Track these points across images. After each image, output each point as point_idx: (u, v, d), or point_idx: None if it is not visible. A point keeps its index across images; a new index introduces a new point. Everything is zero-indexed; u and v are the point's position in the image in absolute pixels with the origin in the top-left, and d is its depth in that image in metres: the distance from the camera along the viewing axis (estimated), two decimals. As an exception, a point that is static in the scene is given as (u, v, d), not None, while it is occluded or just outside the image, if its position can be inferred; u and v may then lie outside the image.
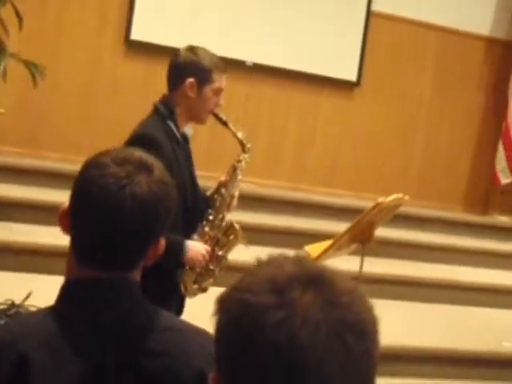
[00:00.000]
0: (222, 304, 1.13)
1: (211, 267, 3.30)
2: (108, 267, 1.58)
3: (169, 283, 3.22)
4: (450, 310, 6.17)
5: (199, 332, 1.65)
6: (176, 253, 3.08)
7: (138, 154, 1.63)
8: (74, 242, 1.62)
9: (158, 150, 3.00)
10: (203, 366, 1.55)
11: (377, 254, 5.44)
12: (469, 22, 8.16)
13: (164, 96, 3.28)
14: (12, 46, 6.30)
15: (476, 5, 8.16)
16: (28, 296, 4.22)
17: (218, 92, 3.25)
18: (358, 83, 7.89)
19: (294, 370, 1.02)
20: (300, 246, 5.76)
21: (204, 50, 3.33)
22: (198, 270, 3.24)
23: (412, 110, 8.14)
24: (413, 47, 8.08)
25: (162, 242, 1.65)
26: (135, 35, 7.11)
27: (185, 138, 3.35)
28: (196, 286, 3.30)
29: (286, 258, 1.14)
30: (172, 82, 3.27)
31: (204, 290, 3.32)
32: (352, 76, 7.86)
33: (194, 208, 3.27)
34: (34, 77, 6.07)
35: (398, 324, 5.18)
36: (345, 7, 7.72)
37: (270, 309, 1.05)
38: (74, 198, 1.61)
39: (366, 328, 1.07)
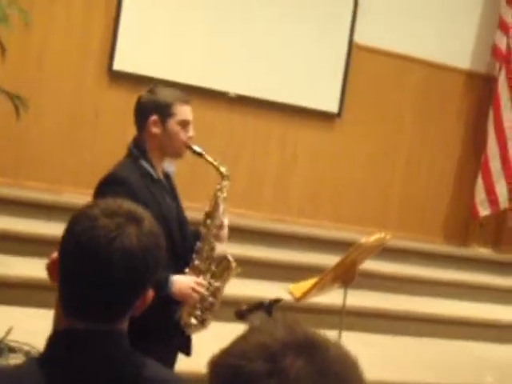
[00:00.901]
0: (215, 368, 1.13)
1: (210, 299, 3.30)
2: (96, 318, 1.58)
3: (168, 320, 3.23)
4: (432, 343, 6.18)
5: None
6: (160, 289, 3.08)
7: (127, 205, 1.63)
8: (61, 292, 1.61)
9: (129, 189, 3.07)
10: None
11: (356, 285, 5.46)
12: (449, 56, 8.25)
13: (135, 138, 3.33)
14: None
15: (456, 38, 8.26)
16: (9, 331, 4.20)
17: (183, 124, 3.28)
18: (339, 114, 7.94)
19: None
20: (283, 278, 5.80)
21: (164, 87, 3.40)
22: (191, 303, 3.23)
23: (393, 142, 8.19)
24: (394, 79, 8.15)
25: (150, 294, 1.65)
26: (118, 65, 7.13)
27: (166, 176, 3.37)
28: (195, 321, 3.29)
29: (277, 323, 1.15)
30: (138, 124, 3.33)
31: (204, 325, 3.32)
32: (333, 107, 7.91)
33: (183, 242, 3.29)
34: (17, 109, 6.07)
35: (378, 358, 5.18)
36: (327, 39, 7.78)
37: (263, 376, 1.06)
38: (63, 249, 1.61)
39: None
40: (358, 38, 7.90)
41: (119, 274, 1.55)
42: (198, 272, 3.28)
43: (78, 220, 1.59)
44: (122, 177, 3.17)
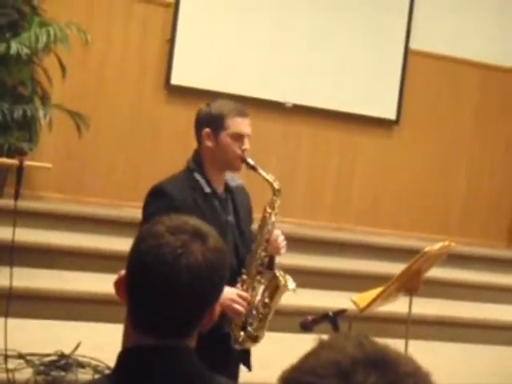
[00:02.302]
0: None
1: (260, 315, 3.29)
2: (164, 335, 1.59)
3: (217, 334, 3.22)
4: (498, 350, 6.09)
5: None
6: None
7: (192, 222, 1.64)
8: (130, 309, 1.63)
9: (170, 202, 3.08)
10: None
11: (420, 293, 5.41)
12: (507, 57, 8.15)
13: (194, 151, 3.35)
14: (55, 95, 6.44)
15: (513, 39, 8.16)
16: (77, 346, 4.27)
17: (236, 137, 3.26)
18: (397, 121, 7.90)
19: None
20: (345, 287, 5.78)
21: (221, 100, 3.39)
22: (235, 315, 3.22)
23: (453, 147, 8.12)
24: (451, 83, 8.07)
25: (217, 309, 1.66)
26: (175, 80, 7.21)
27: (228, 190, 3.39)
28: (244, 335, 3.28)
29: (347, 339, 1.15)
30: (197, 137, 3.35)
31: (255, 339, 3.30)
32: (391, 114, 7.87)
33: (237, 257, 3.29)
34: (78, 127, 6.19)
35: (444, 366, 5.12)
36: (382, 46, 7.76)
37: None
38: (130, 267, 1.63)
39: None
40: (414, 44, 7.85)
41: (186, 291, 1.56)
42: (247, 286, 3.25)
43: (143, 238, 1.61)
44: (165, 190, 3.17)
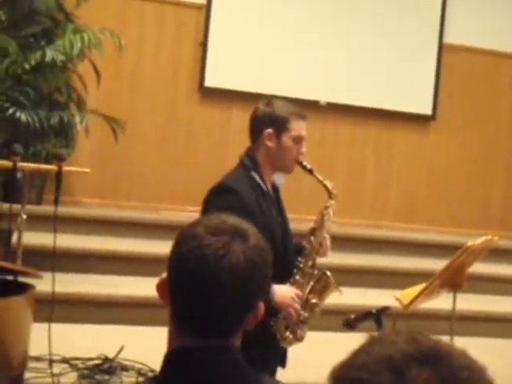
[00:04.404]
0: (337, 382, 1.12)
1: (305, 314, 3.30)
2: (208, 335, 1.59)
3: (264, 333, 3.22)
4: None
5: None
6: None
7: (231, 221, 1.63)
8: (173, 311, 1.63)
9: (239, 199, 3.08)
10: None
11: (462, 289, 5.36)
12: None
13: (248, 148, 3.33)
14: (90, 101, 6.48)
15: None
16: (120, 350, 4.28)
17: (297, 140, 3.27)
18: (433, 117, 7.84)
19: None
20: (384, 284, 5.75)
21: (281, 101, 3.38)
22: (289, 314, 3.22)
23: (491, 141, 8.03)
24: (488, 77, 7.99)
25: (262, 306, 1.65)
26: (209, 82, 7.22)
27: (274, 188, 3.39)
28: (289, 334, 3.29)
29: (398, 334, 1.13)
30: (253, 135, 3.32)
31: (299, 338, 3.31)
32: (427, 110, 7.81)
33: (285, 255, 3.30)
34: (114, 131, 6.22)
35: (489, 363, 5.06)
36: (416, 41, 7.71)
37: None
38: (171, 270, 1.62)
39: None
40: (448, 38, 7.78)
41: (229, 292, 1.55)
42: (298, 287, 3.27)
43: (183, 240, 1.60)
44: (233, 187, 3.17)
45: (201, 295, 1.56)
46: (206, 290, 1.55)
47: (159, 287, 1.64)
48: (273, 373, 3.32)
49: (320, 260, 3.39)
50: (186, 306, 1.59)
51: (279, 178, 3.40)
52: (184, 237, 1.60)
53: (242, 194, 3.14)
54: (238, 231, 1.59)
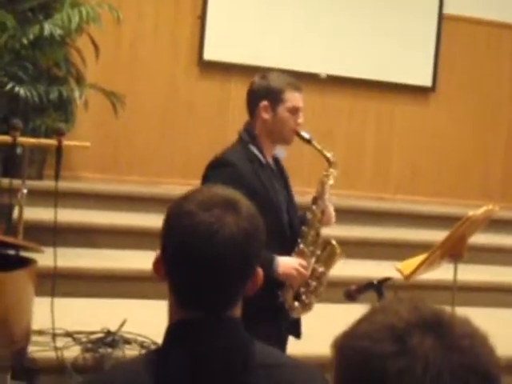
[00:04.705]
0: (340, 351, 1.13)
1: (313, 283, 3.32)
2: (208, 308, 1.59)
3: (272, 302, 3.25)
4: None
5: (306, 368, 1.65)
6: (265, 268, 3.12)
7: (221, 192, 1.62)
8: (171, 286, 1.63)
9: (235, 172, 3.14)
10: None
11: (463, 260, 5.38)
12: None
13: (246, 122, 3.36)
14: (89, 75, 6.46)
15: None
16: (123, 323, 4.30)
17: (293, 111, 3.29)
18: (433, 88, 7.81)
19: None
20: (386, 256, 5.75)
21: (276, 73, 3.42)
22: (295, 284, 3.25)
23: (491, 112, 8.01)
24: (488, 48, 7.96)
25: (260, 272, 1.66)
26: (208, 55, 7.19)
27: (276, 161, 3.39)
28: (298, 304, 3.32)
29: (401, 302, 1.13)
30: (250, 109, 3.36)
31: (307, 308, 3.34)
32: (427, 81, 7.79)
33: (290, 227, 3.31)
34: (114, 106, 6.21)
35: (491, 332, 5.07)
36: (416, 12, 7.66)
37: (391, 357, 1.05)
38: (166, 248, 1.62)
39: (489, 372, 1.06)
40: (447, 9, 7.74)
41: (226, 264, 1.56)
42: (303, 256, 3.30)
43: (176, 217, 1.59)
44: (229, 160, 3.22)
45: (197, 271, 1.57)
46: (203, 265, 1.56)
47: (155, 265, 1.64)
48: (283, 344, 3.35)
49: (325, 230, 3.42)
50: (184, 280, 1.60)
51: (281, 152, 3.42)
52: (176, 213, 1.60)
53: (239, 167, 3.19)
54: (229, 203, 1.59)
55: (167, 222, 1.61)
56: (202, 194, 1.61)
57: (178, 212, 1.59)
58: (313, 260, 3.33)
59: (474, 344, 1.07)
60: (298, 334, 3.44)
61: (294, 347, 3.40)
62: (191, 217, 1.55)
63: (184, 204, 1.58)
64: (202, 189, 1.66)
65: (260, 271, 1.65)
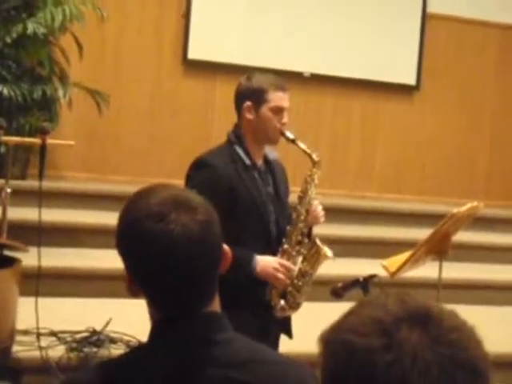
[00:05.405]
0: (327, 345, 1.12)
1: (299, 283, 3.33)
2: (184, 307, 1.59)
3: (258, 300, 3.26)
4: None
5: (296, 365, 1.64)
6: (243, 267, 3.14)
7: (167, 194, 1.60)
8: (147, 296, 1.62)
9: (212, 173, 3.18)
10: None
11: (449, 257, 5.40)
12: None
13: (235, 124, 3.37)
14: (73, 74, 6.43)
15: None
16: (108, 322, 4.29)
17: (277, 110, 3.30)
18: (417, 87, 7.83)
19: None
20: (370, 255, 5.76)
21: (261, 74, 3.44)
22: (278, 284, 3.26)
23: (475, 110, 8.04)
24: (472, 46, 7.98)
25: (227, 250, 1.65)
26: (192, 54, 7.18)
27: (267, 162, 3.40)
28: (284, 303, 3.32)
29: (388, 296, 1.13)
30: (237, 111, 3.39)
31: (294, 307, 3.34)
32: (411, 80, 7.81)
33: (277, 228, 3.33)
34: (98, 105, 6.18)
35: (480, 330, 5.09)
36: (400, 11, 7.68)
37: (379, 351, 1.04)
38: (131, 266, 1.60)
39: (476, 365, 1.06)
40: (431, 8, 7.76)
41: (195, 262, 1.56)
42: (287, 256, 3.31)
43: (132, 233, 1.58)
44: (209, 161, 3.25)
45: (169, 276, 1.56)
46: (172, 271, 1.56)
47: (129, 288, 1.63)
48: (274, 342, 3.35)
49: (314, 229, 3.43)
50: (156, 289, 1.59)
51: (270, 152, 3.42)
52: (131, 229, 1.59)
53: (218, 167, 3.21)
54: (180, 202, 1.58)
55: (124, 238, 1.61)
56: (150, 201, 1.58)
57: (134, 229, 1.58)
58: (299, 259, 3.34)
59: (462, 337, 1.07)
60: (289, 334, 3.45)
61: (280, 345, 3.41)
62: (148, 232, 1.55)
63: (137, 216, 1.58)
64: (149, 194, 1.64)
65: (226, 249, 1.65)
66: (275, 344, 3.37)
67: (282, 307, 3.31)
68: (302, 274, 3.34)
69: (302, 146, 3.37)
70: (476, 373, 1.05)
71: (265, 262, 3.22)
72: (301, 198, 3.37)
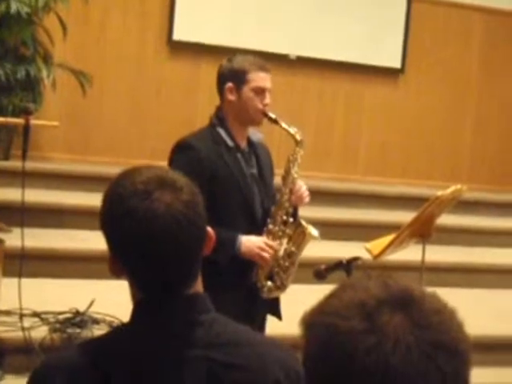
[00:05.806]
0: (309, 328, 1.13)
1: (286, 264, 3.34)
2: (166, 288, 1.59)
3: (244, 281, 3.27)
4: (510, 294, 6.10)
5: (277, 346, 1.65)
6: (228, 248, 3.15)
7: (150, 174, 1.59)
8: (129, 276, 1.62)
9: (193, 155, 3.18)
10: (281, 380, 1.56)
11: (432, 240, 5.42)
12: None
13: (217, 106, 3.37)
14: (57, 55, 6.39)
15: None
16: (91, 304, 4.29)
17: (258, 91, 3.30)
18: (402, 70, 7.83)
19: None
20: (354, 237, 5.77)
21: (242, 55, 3.43)
22: (263, 263, 3.26)
23: (460, 93, 8.06)
24: (457, 30, 7.99)
25: (210, 231, 1.64)
26: (177, 36, 7.14)
27: (251, 143, 3.39)
28: (270, 284, 3.33)
29: (370, 279, 1.13)
30: (219, 92, 3.38)
31: (280, 287, 3.35)
32: (396, 63, 7.80)
33: (262, 209, 3.34)
34: (82, 85, 6.15)
35: (459, 312, 5.12)
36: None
37: (361, 334, 1.05)
38: (114, 245, 1.60)
39: (457, 348, 1.06)
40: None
41: (180, 242, 1.55)
42: (272, 236, 3.31)
43: (118, 211, 1.56)
44: (190, 143, 3.25)
45: (153, 256, 1.56)
46: (157, 252, 1.55)
47: (111, 268, 1.62)
48: (260, 324, 3.36)
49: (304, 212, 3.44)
50: (139, 268, 1.59)
51: (255, 134, 3.41)
52: (117, 207, 1.58)
53: (200, 150, 3.22)
54: (164, 182, 1.58)
55: (108, 216, 1.60)
56: (135, 180, 1.58)
57: (119, 207, 1.57)
58: (285, 240, 3.35)
59: (443, 321, 1.08)
60: (279, 315, 3.45)
61: (267, 327, 3.42)
62: (133, 209, 1.54)
63: (122, 194, 1.57)
64: (134, 174, 1.63)
65: (210, 230, 1.64)
66: (261, 326, 3.37)
67: (269, 288, 3.32)
68: (288, 254, 3.35)
69: (285, 125, 3.37)
70: (457, 355, 1.06)
71: (250, 242, 3.23)
72: (284, 178, 3.38)
